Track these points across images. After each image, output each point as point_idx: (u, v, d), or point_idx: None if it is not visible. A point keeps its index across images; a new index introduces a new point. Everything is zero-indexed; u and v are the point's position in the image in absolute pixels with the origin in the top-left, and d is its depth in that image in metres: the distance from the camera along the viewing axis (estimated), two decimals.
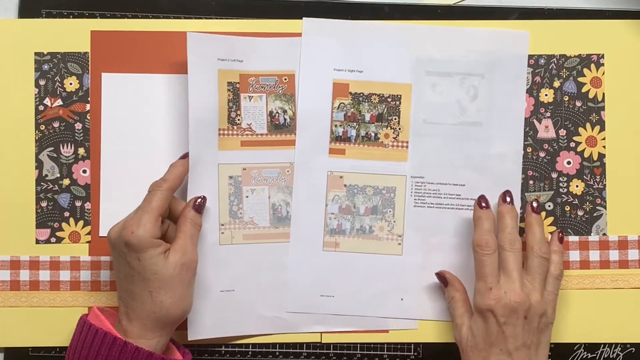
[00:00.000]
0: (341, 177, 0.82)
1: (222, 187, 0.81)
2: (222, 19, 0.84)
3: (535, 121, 0.83)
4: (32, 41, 0.83)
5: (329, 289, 0.82)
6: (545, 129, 0.83)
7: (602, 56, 0.83)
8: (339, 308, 0.82)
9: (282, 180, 0.82)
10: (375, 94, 0.82)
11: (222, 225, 0.81)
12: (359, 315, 0.82)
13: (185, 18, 0.84)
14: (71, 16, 0.83)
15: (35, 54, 0.83)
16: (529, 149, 0.82)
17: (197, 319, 0.80)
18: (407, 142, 0.82)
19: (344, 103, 0.82)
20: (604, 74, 0.83)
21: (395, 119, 0.82)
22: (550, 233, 0.81)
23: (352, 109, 0.82)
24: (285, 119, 0.82)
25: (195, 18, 0.84)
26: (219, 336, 0.81)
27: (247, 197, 0.82)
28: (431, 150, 0.82)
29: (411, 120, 0.82)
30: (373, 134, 0.82)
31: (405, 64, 0.82)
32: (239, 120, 0.81)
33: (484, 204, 0.77)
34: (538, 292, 0.74)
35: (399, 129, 0.82)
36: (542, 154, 0.83)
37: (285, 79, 0.82)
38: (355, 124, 0.82)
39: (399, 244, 0.82)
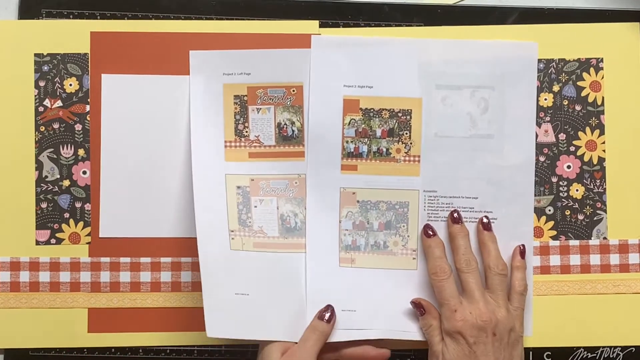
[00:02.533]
0: (354, 193, 0.82)
1: (230, 196, 0.81)
2: (222, 19, 0.84)
3: (535, 125, 0.82)
4: (32, 42, 0.83)
5: (351, 303, 0.80)
6: (545, 133, 0.83)
7: (602, 60, 0.83)
8: (362, 322, 0.80)
9: (291, 192, 0.82)
10: (386, 109, 0.81)
11: (232, 231, 0.81)
12: (384, 329, 0.80)
13: (185, 18, 0.84)
14: (71, 16, 0.83)
15: (35, 55, 0.83)
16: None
17: (215, 316, 0.79)
18: (418, 156, 0.81)
19: (354, 119, 0.81)
20: (603, 77, 0.83)
21: (406, 133, 0.81)
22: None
23: (363, 125, 0.82)
24: (293, 131, 0.82)
25: (196, 18, 0.84)
26: (239, 338, 0.79)
27: (255, 206, 0.81)
28: (443, 164, 0.81)
29: (422, 135, 0.81)
30: (385, 149, 0.82)
31: (415, 78, 0.81)
32: (246, 132, 0.81)
33: (430, 232, 0.79)
34: (503, 307, 0.75)
35: (411, 143, 0.81)
36: (542, 158, 0.83)
37: (293, 91, 0.81)
38: (366, 139, 0.81)
39: (414, 258, 0.81)
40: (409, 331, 0.80)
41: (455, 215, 0.79)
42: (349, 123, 0.81)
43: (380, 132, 0.82)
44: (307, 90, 0.81)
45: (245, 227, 0.81)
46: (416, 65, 0.81)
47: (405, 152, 0.81)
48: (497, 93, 0.81)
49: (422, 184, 0.81)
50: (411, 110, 0.81)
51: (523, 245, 0.79)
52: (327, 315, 0.78)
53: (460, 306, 0.74)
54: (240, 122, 0.81)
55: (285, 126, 0.82)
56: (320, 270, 0.81)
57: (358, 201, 0.82)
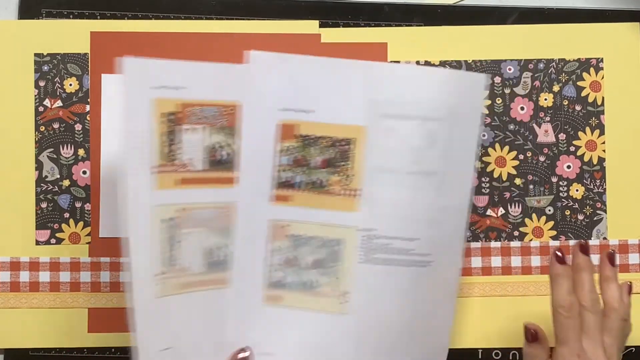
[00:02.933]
0: (285, 226, 0.74)
1: (154, 232, 0.71)
2: (222, 19, 0.84)
3: (534, 125, 0.83)
4: (32, 42, 0.83)
5: (271, 346, 0.74)
6: (545, 133, 0.83)
7: (602, 60, 0.83)
8: None
9: (219, 222, 0.73)
10: (326, 137, 0.73)
11: (157, 275, 0.71)
12: None
13: (185, 18, 0.84)
14: (71, 16, 0.83)
15: (35, 55, 0.83)
16: (529, 153, 0.82)
17: None
18: (358, 190, 0.73)
19: (291, 146, 0.73)
20: (603, 78, 0.83)
21: (346, 164, 0.73)
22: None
23: (300, 153, 0.73)
24: (225, 155, 0.73)
25: (196, 18, 0.84)
26: None
27: (180, 242, 0.72)
28: (384, 201, 0.73)
29: (363, 167, 0.73)
30: (322, 181, 0.74)
31: (360, 104, 0.73)
32: (175, 155, 0.71)
33: (564, 260, 0.69)
34: (615, 357, 0.68)
35: (352, 175, 0.73)
36: (541, 158, 0.83)
37: (228, 110, 0.72)
38: (302, 169, 0.73)
39: (343, 302, 0.74)
40: None
41: (584, 244, 0.70)
42: (285, 150, 0.73)
43: (318, 161, 0.74)
44: (241, 111, 0.73)
45: (170, 266, 0.72)
46: (361, 91, 0.73)
47: (344, 185, 0.74)
48: (446, 126, 0.73)
49: (360, 221, 0.73)
50: (353, 139, 0.73)
51: (613, 250, 0.77)
52: (242, 357, 0.73)
53: (582, 350, 0.67)
54: (168, 143, 0.70)
55: (216, 149, 0.72)
56: (242, 307, 0.74)
57: (290, 235, 0.74)
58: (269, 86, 0.72)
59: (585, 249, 0.70)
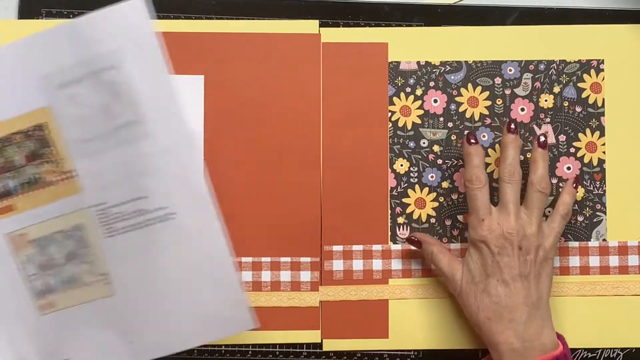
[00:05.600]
0: (22, 234, 0.71)
1: None
2: (222, 19, 0.84)
3: (535, 127, 0.82)
4: None
5: (64, 352, 0.73)
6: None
7: (602, 62, 0.83)
8: None
9: None
10: (16, 133, 0.70)
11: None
12: None
13: (185, 18, 0.83)
14: (71, 16, 0.83)
15: None
16: (529, 155, 0.82)
17: None
18: (72, 170, 0.71)
19: None
20: (603, 79, 0.83)
21: (49, 150, 0.70)
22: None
23: (1, 159, 0.71)
24: None
25: (196, 18, 0.83)
26: None
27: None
28: (101, 171, 0.70)
29: (66, 146, 0.70)
30: (34, 176, 0.71)
31: (34, 85, 0.69)
32: None
33: (472, 140, 0.76)
34: (535, 225, 0.73)
35: (60, 159, 0.70)
36: None
37: None
38: (10, 173, 0.71)
39: (107, 283, 0.72)
40: None
41: (512, 125, 0.77)
42: None
43: (21, 159, 0.71)
44: None
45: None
46: (28, 70, 0.69)
47: (57, 171, 0.71)
48: (123, 72, 0.68)
49: (88, 200, 0.71)
50: (44, 123, 0.70)
51: (577, 178, 0.80)
52: None
53: (488, 216, 0.74)
54: None
55: None
56: (22, 326, 0.72)
57: (31, 241, 0.72)
58: None
59: (512, 130, 0.76)
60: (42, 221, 0.71)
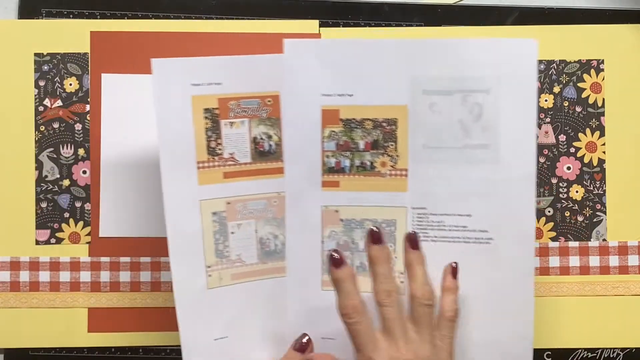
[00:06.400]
0: (336, 211, 0.74)
1: (205, 226, 0.73)
2: (222, 19, 0.84)
3: (535, 134, 0.82)
4: (32, 42, 0.83)
5: (330, 331, 0.73)
6: (545, 135, 0.83)
7: (602, 62, 0.83)
8: (341, 351, 0.72)
9: (269, 212, 0.75)
10: (369, 119, 0.73)
11: (209, 267, 0.74)
12: None
13: (185, 18, 0.84)
14: (71, 15, 0.83)
15: (35, 54, 0.83)
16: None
17: None
18: (406, 170, 0.73)
19: (334, 131, 0.74)
20: (603, 79, 0.83)
21: (391, 145, 0.73)
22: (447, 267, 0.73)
23: (345, 137, 0.74)
24: (270, 145, 0.74)
25: (196, 18, 0.84)
26: None
27: (232, 233, 0.74)
28: (433, 178, 0.73)
29: (409, 146, 0.73)
30: (369, 163, 0.74)
31: (400, 83, 0.72)
32: (220, 150, 0.73)
33: (339, 261, 0.67)
34: (427, 343, 0.66)
35: (397, 156, 0.73)
36: (542, 160, 0.83)
37: (269, 101, 0.74)
38: (348, 153, 0.74)
39: (402, 282, 0.72)
40: None
41: (376, 232, 0.68)
42: (329, 135, 0.74)
43: (363, 144, 0.74)
44: (283, 100, 0.73)
45: (222, 258, 0.74)
46: (400, 69, 0.72)
47: (391, 166, 0.74)
48: (492, 97, 0.72)
49: (410, 201, 0.73)
50: (396, 119, 0.73)
51: (455, 263, 0.71)
52: (303, 343, 0.72)
53: (376, 351, 0.65)
54: (212, 138, 0.73)
55: (261, 141, 0.74)
56: (301, 295, 0.75)
57: (341, 220, 0.74)
58: (307, 73, 0.73)
59: (376, 239, 0.68)
60: (358, 205, 0.74)
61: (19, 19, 0.83)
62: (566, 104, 0.83)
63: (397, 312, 0.66)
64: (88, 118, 0.83)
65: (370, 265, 0.68)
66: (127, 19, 0.83)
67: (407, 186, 0.74)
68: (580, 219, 0.83)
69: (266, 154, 0.75)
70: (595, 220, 0.83)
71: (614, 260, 0.82)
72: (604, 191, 0.83)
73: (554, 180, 0.83)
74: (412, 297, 0.67)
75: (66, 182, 0.83)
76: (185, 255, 0.73)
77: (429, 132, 0.73)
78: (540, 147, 0.83)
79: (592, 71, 0.83)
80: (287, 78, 0.73)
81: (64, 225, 0.83)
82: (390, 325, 0.65)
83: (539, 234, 0.83)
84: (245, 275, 0.75)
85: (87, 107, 0.83)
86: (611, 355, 0.83)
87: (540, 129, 0.83)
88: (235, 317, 0.75)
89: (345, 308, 0.66)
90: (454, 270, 0.71)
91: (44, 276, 0.83)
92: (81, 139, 0.83)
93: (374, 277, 0.67)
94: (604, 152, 0.83)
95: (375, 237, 0.68)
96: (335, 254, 0.67)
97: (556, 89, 0.83)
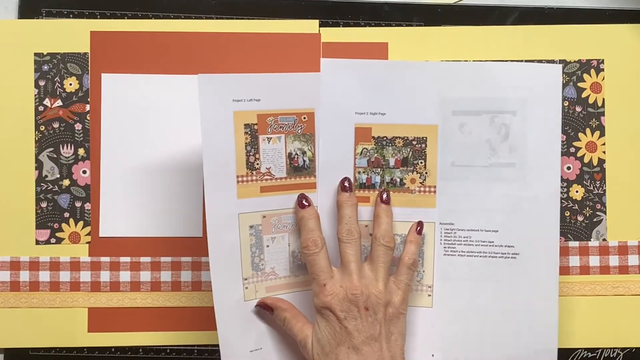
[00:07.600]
0: (366, 226, 0.77)
1: (243, 239, 0.76)
2: (222, 18, 0.84)
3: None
4: (32, 42, 0.83)
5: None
6: None
7: (602, 61, 0.83)
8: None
9: None
10: (399, 137, 0.77)
11: (246, 279, 0.76)
12: None
13: (185, 18, 0.84)
14: (71, 15, 0.83)
15: (35, 54, 0.83)
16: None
17: None
18: (434, 186, 0.78)
19: (366, 148, 0.77)
20: (603, 79, 0.83)
21: (421, 162, 0.77)
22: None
23: (376, 154, 0.77)
24: (304, 161, 0.77)
25: (196, 18, 0.83)
26: None
27: (267, 246, 0.77)
28: (461, 195, 0.77)
29: (438, 164, 0.77)
30: (398, 180, 0.78)
31: (430, 104, 0.77)
32: (257, 164, 0.76)
33: (305, 203, 0.75)
34: (381, 281, 0.71)
35: (426, 173, 0.78)
36: None
37: (304, 118, 0.77)
38: (379, 169, 0.78)
39: (429, 295, 0.78)
40: None
41: (346, 183, 0.75)
42: (361, 152, 0.77)
43: (393, 161, 0.78)
44: (317, 117, 0.77)
45: (258, 271, 0.77)
46: (431, 90, 0.77)
47: (421, 183, 0.78)
48: (518, 118, 0.77)
49: (438, 216, 0.78)
50: (426, 138, 0.77)
51: (420, 222, 0.76)
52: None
53: (330, 280, 0.70)
54: (251, 153, 0.76)
55: (296, 156, 0.77)
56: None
57: (370, 234, 0.77)
58: (342, 91, 0.77)
59: (346, 188, 0.75)
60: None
61: (19, 18, 0.83)
62: (566, 103, 0.83)
63: (356, 250, 0.72)
64: (88, 118, 0.83)
65: (338, 208, 0.75)
66: (127, 19, 0.83)
67: (436, 202, 0.78)
68: (580, 218, 0.83)
69: (300, 169, 0.78)
70: (595, 220, 0.83)
71: (614, 260, 0.82)
72: (604, 191, 0.83)
73: None
74: (374, 238, 0.73)
75: (66, 182, 0.83)
76: (225, 267, 0.75)
77: (458, 150, 0.77)
78: None
79: (592, 71, 0.83)
80: (323, 96, 0.77)
81: (64, 225, 0.83)
82: (348, 259, 0.71)
83: None
84: (278, 287, 0.77)
85: (87, 107, 0.83)
86: (611, 355, 0.83)
87: None
88: (269, 329, 0.77)
89: (305, 241, 0.73)
90: (419, 226, 0.76)
91: (44, 276, 0.82)
92: (81, 138, 0.83)
93: (339, 219, 0.74)
94: (604, 152, 0.83)
95: (345, 186, 0.75)
96: (303, 199, 0.75)
97: None
